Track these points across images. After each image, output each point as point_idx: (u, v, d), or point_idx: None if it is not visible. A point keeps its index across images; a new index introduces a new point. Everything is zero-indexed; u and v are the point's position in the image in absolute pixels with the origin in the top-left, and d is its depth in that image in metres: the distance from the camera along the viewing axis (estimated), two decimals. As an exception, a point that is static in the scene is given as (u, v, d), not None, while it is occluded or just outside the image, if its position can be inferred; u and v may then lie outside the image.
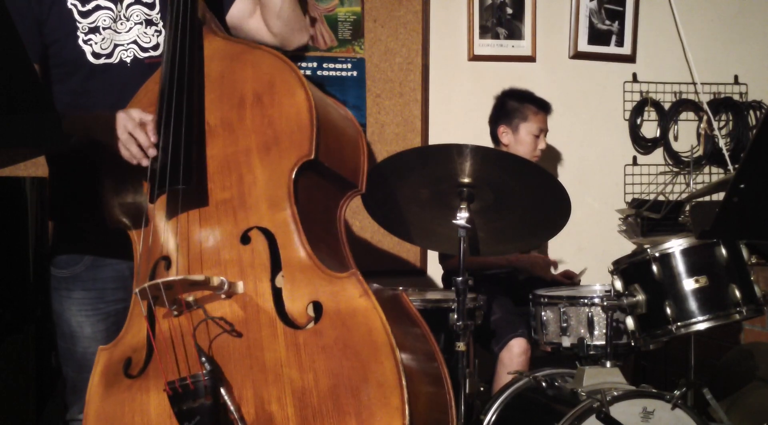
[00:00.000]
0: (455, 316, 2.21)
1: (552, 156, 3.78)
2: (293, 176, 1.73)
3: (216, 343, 1.70)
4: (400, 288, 2.72)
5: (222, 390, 1.64)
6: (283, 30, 2.10)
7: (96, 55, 1.96)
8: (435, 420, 1.68)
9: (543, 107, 3.27)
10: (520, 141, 3.22)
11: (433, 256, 3.49)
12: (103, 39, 1.96)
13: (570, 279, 3.27)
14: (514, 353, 2.76)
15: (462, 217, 2.17)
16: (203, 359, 1.64)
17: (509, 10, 3.70)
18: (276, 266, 1.70)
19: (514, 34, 3.72)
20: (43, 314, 2.28)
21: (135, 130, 1.75)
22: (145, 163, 1.77)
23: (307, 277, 1.68)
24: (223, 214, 1.78)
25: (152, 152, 1.76)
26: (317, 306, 1.65)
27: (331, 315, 1.63)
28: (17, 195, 2.41)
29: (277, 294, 1.69)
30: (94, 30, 1.96)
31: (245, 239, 1.74)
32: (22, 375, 2.42)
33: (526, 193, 2.27)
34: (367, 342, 1.58)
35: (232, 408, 1.63)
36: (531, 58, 3.74)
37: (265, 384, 1.64)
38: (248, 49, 1.87)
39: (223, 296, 1.71)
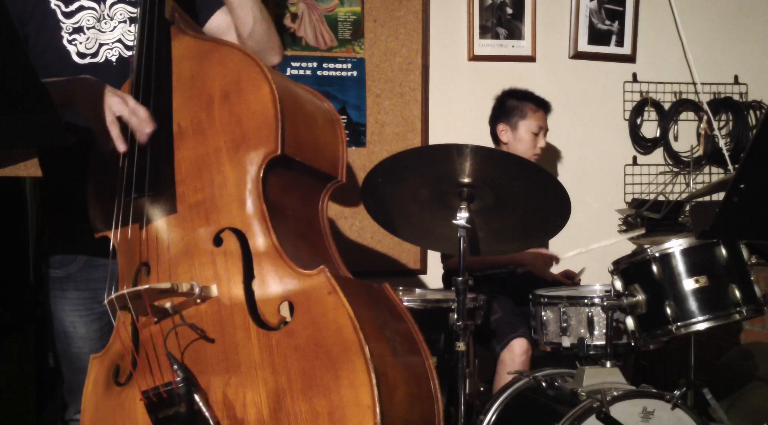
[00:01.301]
0: (455, 316, 2.21)
1: (552, 156, 3.78)
2: (261, 174, 1.71)
3: (193, 348, 1.69)
4: (400, 288, 2.73)
5: (196, 397, 1.62)
6: (255, 50, 2.08)
7: (81, 55, 1.94)
8: (418, 414, 1.66)
9: (542, 105, 3.27)
10: (520, 138, 3.22)
11: (432, 257, 3.49)
12: (87, 39, 1.94)
13: (570, 279, 3.28)
14: (516, 353, 2.76)
15: (462, 217, 2.17)
16: (175, 366, 1.62)
17: (509, 10, 3.70)
18: (249, 266, 1.68)
19: (514, 34, 3.72)
20: (43, 314, 2.28)
21: (131, 117, 1.71)
22: (122, 149, 1.72)
23: (278, 277, 1.66)
24: (196, 217, 1.75)
25: (122, 148, 1.71)
26: (290, 306, 1.64)
27: (302, 315, 1.61)
28: (17, 195, 2.41)
29: (250, 295, 1.66)
30: (78, 30, 1.94)
31: (218, 241, 1.72)
32: (22, 375, 2.42)
33: (526, 193, 2.27)
34: (337, 340, 1.56)
35: (207, 414, 1.61)
36: (531, 58, 3.75)
37: (240, 387, 1.62)
38: (216, 46, 1.84)
39: (198, 301, 1.70)
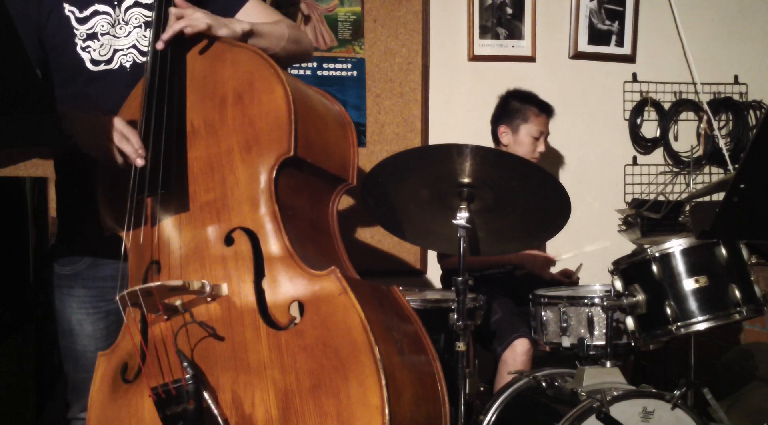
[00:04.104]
0: (455, 316, 2.21)
1: (552, 156, 3.78)
2: (274, 174, 1.71)
3: (202, 346, 1.69)
4: (400, 287, 2.72)
5: (205, 394, 1.63)
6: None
7: (95, 62, 1.95)
8: (425, 415, 1.66)
9: (545, 109, 3.27)
10: (520, 142, 3.22)
11: (433, 257, 3.49)
12: (101, 45, 1.94)
13: (568, 277, 3.28)
14: (518, 352, 2.76)
15: (462, 217, 2.17)
16: (185, 364, 1.63)
17: (509, 10, 3.70)
18: (260, 266, 1.69)
19: (514, 34, 3.72)
20: (43, 314, 2.28)
21: (120, 142, 1.75)
22: (140, 162, 1.75)
23: (288, 277, 1.66)
24: (207, 216, 1.76)
25: (140, 162, 1.74)
26: (299, 306, 1.64)
27: (312, 315, 1.62)
28: (17, 195, 2.41)
29: (260, 294, 1.67)
30: (92, 36, 1.94)
31: (229, 240, 1.73)
32: (22, 375, 2.42)
33: (526, 193, 2.27)
34: (346, 340, 1.56)
35: (215, 412, 1.62)
36: (531, 58, 3.75)
37: (249, 386, 1.63)
38: (229, 47, 1.84)
39: (208, 299, 1.70)
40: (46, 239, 2.43)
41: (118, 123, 1.75)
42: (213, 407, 1.63)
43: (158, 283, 1.68)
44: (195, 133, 1.81)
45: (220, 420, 1.62)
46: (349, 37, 3.52)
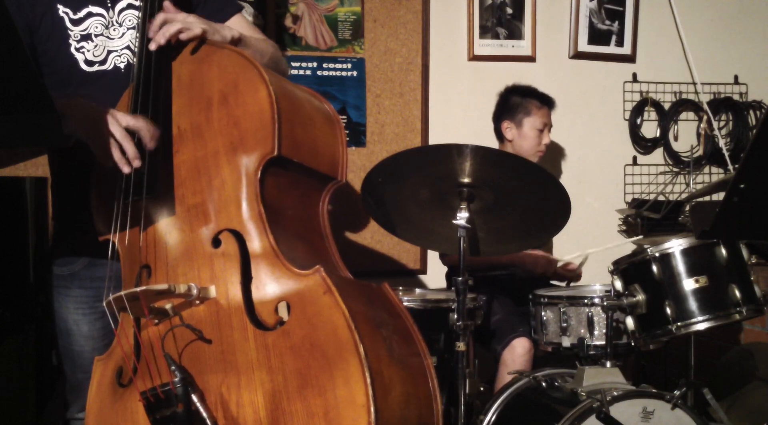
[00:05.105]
0: (455, 316, 2.21)
1: (552, 156, 3.78)
2: (259, 175, 1.71)
3: (191, 349, 1.69)
4: (400, 288, 2.73)
5: (194, 397, 1.63)
6: None
7: (89, 63, 1.94)
8: (416, 414, 1.66)
9: (546, 102, 3.27)
10: (524, 136, 3.22)
11: (432, 256, 3.49)
12: (95, 46, 1.94)
13: (572, 271, 3.27)
14: (517, 353, 2.76)
15: (462, 217, 2.17)
16: (173, 367, 1.64)
17: (509, 10, 3.70)
18: (247, 267, 1.69)
19: (514, 34, 3.72)
20: (43, 314, 2.28)
21: (123, 140, 1.71)
22: (127, 170, 1.73)
23: (274, 277, 1.66)
24: (195, 219, 1.76)
25: (137, 163, 1.71)
26: (287, 307, 1.64)
27: (298, 314, 1.62)
28: (17, 195, 2.41)
29: (247, 295, 1.67)
30: (86, 38, 1.94)
31: (216, 242, 1.73)
32: (22, 375, 2.42)
33: (526, 193, 2.27)
34: (332, 339, 1.56)
35: (204, 414, 1.62)
36: (531, 58, 3.75)
37: (237, 388, 1.63)
38: (214, 49, 1.84)
39: (196, 302, 1.70)
40: (46, 239, 2.43)
41: (133, 121, 1.72)
42: (202, 409, 1.63)
43: (143, 288, 1.68)
44: (182, 137, 1.81)
45: (209, 422, 1.62)
46: (349, 37, 3.52)
